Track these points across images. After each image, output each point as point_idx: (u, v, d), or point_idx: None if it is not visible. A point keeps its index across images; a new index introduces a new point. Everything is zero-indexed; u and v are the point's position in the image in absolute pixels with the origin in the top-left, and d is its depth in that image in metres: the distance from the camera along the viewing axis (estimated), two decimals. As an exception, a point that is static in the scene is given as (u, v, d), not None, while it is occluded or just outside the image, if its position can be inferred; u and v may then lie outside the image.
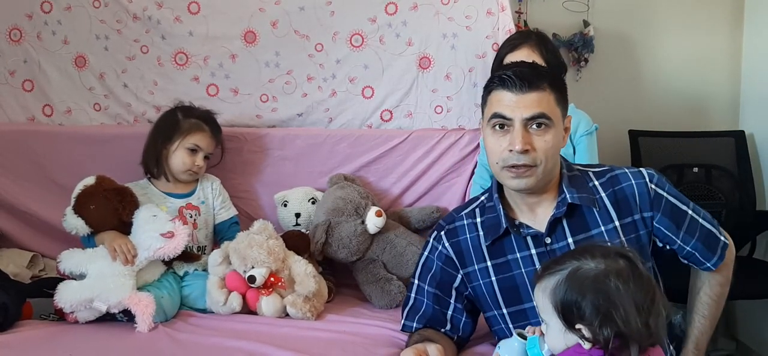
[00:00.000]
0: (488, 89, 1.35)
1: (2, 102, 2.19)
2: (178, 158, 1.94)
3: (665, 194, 1.36)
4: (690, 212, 1.37)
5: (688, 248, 1.38)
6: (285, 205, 2.12)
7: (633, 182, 1.35)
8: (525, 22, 2.59)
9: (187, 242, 1.79)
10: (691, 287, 1.47)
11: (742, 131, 2.66)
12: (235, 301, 1.76)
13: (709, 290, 1.42)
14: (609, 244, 1.14)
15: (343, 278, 2.05)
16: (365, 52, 2.26)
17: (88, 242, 1.81)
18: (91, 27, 2.21)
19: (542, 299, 1.08)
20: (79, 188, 1.82)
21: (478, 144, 2.18)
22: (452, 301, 1.43)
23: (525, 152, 1.27)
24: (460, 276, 1.42)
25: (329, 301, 1.91)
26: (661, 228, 1.36)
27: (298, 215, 2.09)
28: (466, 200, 1.88)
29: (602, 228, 1.33)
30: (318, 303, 1.79)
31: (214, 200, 2.04)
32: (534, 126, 1.29)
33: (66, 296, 1.63)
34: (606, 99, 2.68)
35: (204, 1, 2.22)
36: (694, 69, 2.77)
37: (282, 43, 2.25)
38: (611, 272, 1.03)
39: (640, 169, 1.38)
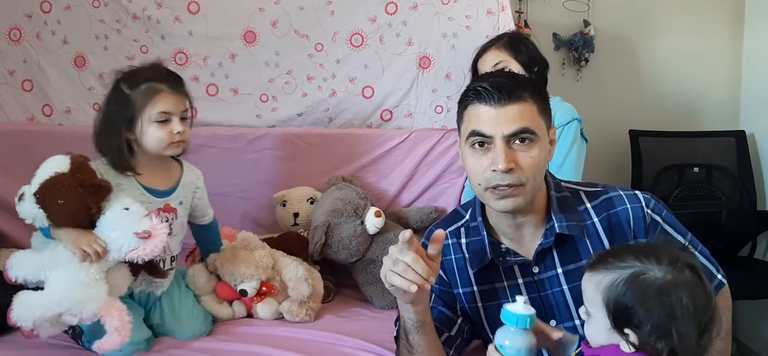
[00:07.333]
0: (464, 104, 1.24)
1: (2, 102, 2.18)
2: (151, 136, 1.56)
3: (661, 220, 1.27)
4: (685, 243, 1.27)
5: None
6: (284, 205, 2.11)
7: (628, 206, 1.26)
8: (525, 21, 2.58)
9: (164, 243, 1.48)
10: None
11: (743, 131, 2.66)
12: (239, 307, 1.76)
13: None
14: (675, 247, 1.06)
15: (343, 278, 2.04)
16: (365, 52, 2.26)
17: (45, 233, 1.47)
18: (91, 27, 2.20)
19: (593, 292, 1.03)
20: (48, 174, 1.43)
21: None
22: (459, 320, 1.35)
23: (509, 171, 1.16)
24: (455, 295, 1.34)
25: (329, 301, 1.91)
26: None
27: (296, 215, 2.09)
28: (461, 203, 1.83)
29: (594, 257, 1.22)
30: (314, 304, 1.79)
31: (195, 200, 1.73)
32: (517, 142, 1.18)
33: (25, 312, 1.33)
34: (606, 99, 2.68)
35: (204, 1, 2.22)
36: (694, 69, 2.77)
37: (282, 43, 2.24)
38: (678, 285, 0.96)
39: (636, 192, 1.29)
